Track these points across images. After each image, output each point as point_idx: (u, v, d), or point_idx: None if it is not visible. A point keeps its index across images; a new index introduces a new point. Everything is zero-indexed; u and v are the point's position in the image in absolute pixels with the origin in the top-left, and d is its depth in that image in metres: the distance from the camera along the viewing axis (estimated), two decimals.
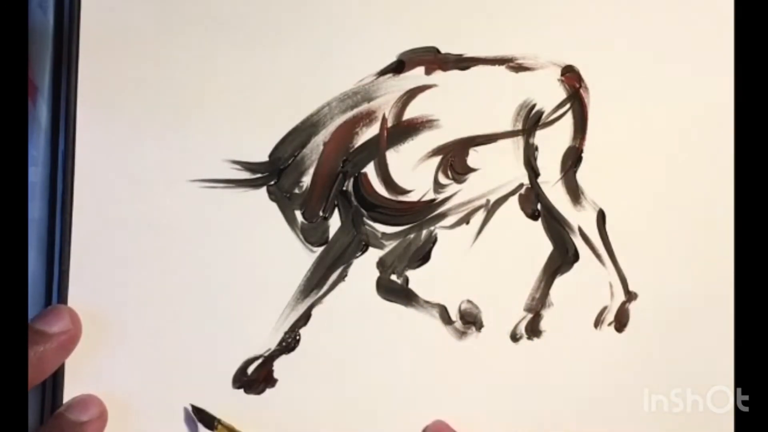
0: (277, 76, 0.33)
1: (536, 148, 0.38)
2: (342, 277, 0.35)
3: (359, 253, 0.35)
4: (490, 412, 0.37)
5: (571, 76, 0.39)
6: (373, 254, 0.35)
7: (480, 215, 0.37)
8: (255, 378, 0.33)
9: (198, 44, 0.32)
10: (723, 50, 0.40)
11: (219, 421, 0.32)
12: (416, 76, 0.36)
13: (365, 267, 0.35)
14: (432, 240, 0.36)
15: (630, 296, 0.40)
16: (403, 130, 0.36)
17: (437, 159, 0.36)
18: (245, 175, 0.33)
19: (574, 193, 0.39)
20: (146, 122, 0.32)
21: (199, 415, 0.32)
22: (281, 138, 0.34)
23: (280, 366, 0.34)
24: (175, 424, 0.32)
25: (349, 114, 0.35)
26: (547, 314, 0.38)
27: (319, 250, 0.34)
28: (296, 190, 0.34)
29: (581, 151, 0.39)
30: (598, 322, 0.39)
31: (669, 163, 0.41)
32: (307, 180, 0.34)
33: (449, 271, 0.36)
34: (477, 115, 0.37)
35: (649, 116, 0.40)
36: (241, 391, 0.33)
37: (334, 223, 0.35)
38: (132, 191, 0.31)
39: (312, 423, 0.34)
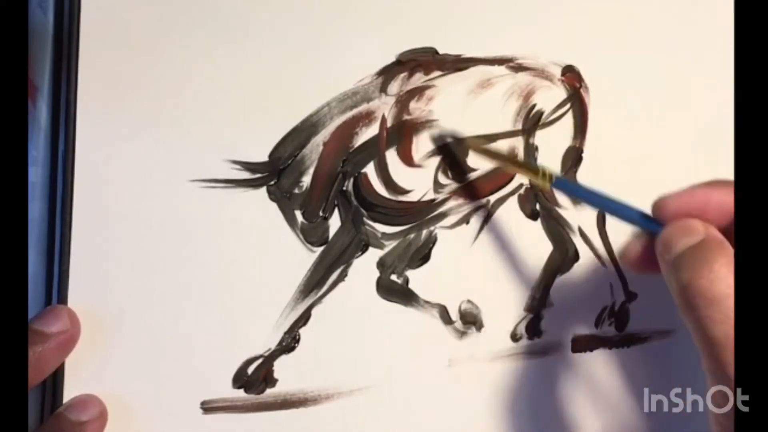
0: (277, 76, 0.33)
1: (536, 148, 0.38)
2: (342, 277, 0.35)
3: (359, 253, 0.35)
4: (490, 412, 0.37)
5: (571, 76, 0.39)
6: (373, 254, 0.35)
7: (480, 215, 0.37)
8: (255, 378, 0.33)
9: (198, 44, 0.32)
10: (723, 50, 0.40)
11: None
12: (415, 76, 0.36)
13: (365, 267, 0.35)
14: (432, 240, 0.36)
15: (630, 296, 0.40)
16: (403, 130, 0.36)
17: (437, 159, 0.36)
18: (245, 175, 0.33)
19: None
20: (146, 122, 0.32)
21: None
22: (281, 138, 0.34)
23: (280, 366, 0.34)
24: (175, 423, 0.32)
25: (349, 114, 0.35)
26: (547, 314, 0.38)
27: (319, 250, 0.34)
28: (296, 190, 0.34)
29: (581, 151, 0.39)
30: (598, 322, 0.39)
31: (669, 163, 0.41)
32: (307, 180, 0.34)
33: (449, 271, 0.37)
34: (477, 115, 0.37)
35: (649, 116, 0.40)
36: (241, 391, 0.33)
37: (334, 223, 0.35)
38: (132, 191, 0.31)
39: (312, 421, 0.34)
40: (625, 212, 0.31)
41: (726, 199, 0.29)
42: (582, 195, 0.34)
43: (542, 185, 0.34)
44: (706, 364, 0.27)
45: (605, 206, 0.33)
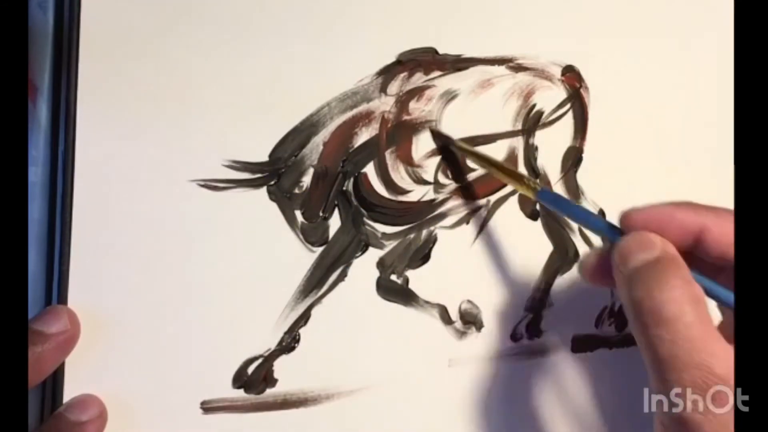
0: (277, 76, 0.33)
1: (536, 148, 0.38)
2: (342, 277, 0.35)
3: (359, 253, 0.35)
4: (490, 412, 0.37)
5: (571, 76, 0.39)
6: (373, 254, 0.35)
7: (480, 215, 0.37)
8: (255, 378, 0.33)
9: (198, 44, 0.32)
10: (723, 50, 0.40)
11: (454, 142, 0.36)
12: (415, 76, 0.36)
13: (365, 267, 0.35)
14: (432, 240, 0.36)
15: None
16: (403, 130, 0.36)
17: (437, 159, 0.36)
18: (245, 175, 0.33)
19: (574, 193, 0.39)
20: (146, 122, 0.32)
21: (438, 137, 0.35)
22: (281, 138, 0.34)
23: (280, 366, 0.34)
24: (175, 423, 0.32)
25: (349, 114, 0.35)
26: (547, 314, 0.38)
27: (319, 250, 0.34)
28: (296, 190, 0.34)
29: (581, 151, 0.39)
30: (598, 322, 0.39)
31: (669, 163, 0.41)
32: (307, 180, 0.34)
33: (449, 271, 0.37)
34: (477, 115, 0.37)
35: (649, 116, 0.40)
36: (241, 391, 0.33)
37: (334, 223, 0.35)
38: (132, 191, 0.31)
39: (312, 421, 0.34)
40: (597, 224, 0.32)
41: (690, 220, 0.29)
42: (564, 207, 0.34)
43: (527, 194, 0.35)
44: (651, 381, 0.27)
45: (584, 219, 0.33)
